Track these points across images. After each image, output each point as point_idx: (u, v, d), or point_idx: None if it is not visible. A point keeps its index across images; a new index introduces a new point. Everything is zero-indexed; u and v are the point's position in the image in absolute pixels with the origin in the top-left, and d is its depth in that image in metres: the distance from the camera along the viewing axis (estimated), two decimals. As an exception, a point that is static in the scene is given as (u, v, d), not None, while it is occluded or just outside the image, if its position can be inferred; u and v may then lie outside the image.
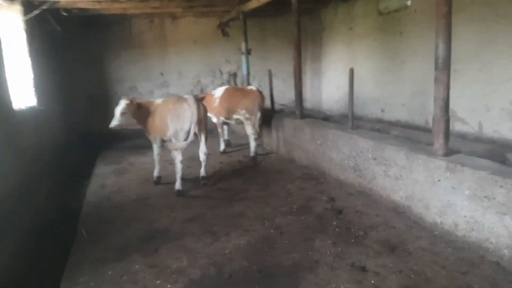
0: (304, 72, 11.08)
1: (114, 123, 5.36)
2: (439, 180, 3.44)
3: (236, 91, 7.22)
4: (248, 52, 8.65)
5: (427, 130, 6.42)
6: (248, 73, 8.85)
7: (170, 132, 5.27)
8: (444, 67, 3.45)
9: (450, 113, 6.21)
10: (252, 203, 4.75)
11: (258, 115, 6.96)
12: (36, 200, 4.73)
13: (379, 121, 7.69)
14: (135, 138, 9.45)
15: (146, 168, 6.89)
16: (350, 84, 5.03)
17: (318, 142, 5.58)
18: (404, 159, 3.89)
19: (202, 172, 5.73)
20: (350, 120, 5.07)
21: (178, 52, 10.01)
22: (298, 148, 6.28)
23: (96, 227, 4.40)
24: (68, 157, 7.58)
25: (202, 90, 10.29)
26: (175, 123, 5.18)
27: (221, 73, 10.46)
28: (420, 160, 3.66)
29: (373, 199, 4.47)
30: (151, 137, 5.75)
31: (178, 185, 5.29)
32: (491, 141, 5.22)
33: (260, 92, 7.50)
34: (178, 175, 5.28)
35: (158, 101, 5.67)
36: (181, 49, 10.02)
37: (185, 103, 5.16)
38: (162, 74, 10.02)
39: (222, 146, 7.63)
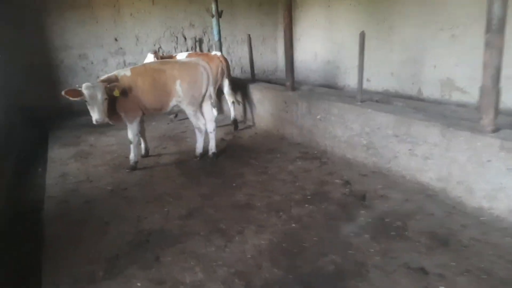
0: (275, 39, 10.34)
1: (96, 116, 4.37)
2: (489, 161, 3.04)
3: (199, 57, 6.53)
4: (220, 14, 7.67)
5: (421, 100, 6.14)
6: (220, 39, 7.91)
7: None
8: (499, 29, 2.95)
9: (447, 82, 6.08)
10: (255, 190, 4.11)
11: (226, 82, 6.62)
12: (-18, 202, 3.69)
13: (365, 91, 7.27)
14: (89, 114, 8.24)
15: (112, 150, 5.91)
16: (360, 50, 4.47)
17: (318, 117, 5.01)
18: (438, 136, 3.45)
19: (212, 147, 5.16)
20: (359, 92, 4.54)
21: (134, 14, 8.70)
22: (290, 123, 5.67)
23: (67, 231, 3.52)
24: (12, 140, 6.30)
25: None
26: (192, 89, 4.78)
27: (185, 38, 9.36)
28: (462, 138, 3.23)
29: (393, 180, 4.04)
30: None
31: (213, 148, 5.14)
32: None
33: (225, 58, 6.82)
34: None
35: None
36: (137, 10, 8.72)
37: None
38: (116, 39, 8.70)
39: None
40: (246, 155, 5.28)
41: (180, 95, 4.76)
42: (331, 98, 4.99)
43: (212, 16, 7.67)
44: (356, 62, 7.52)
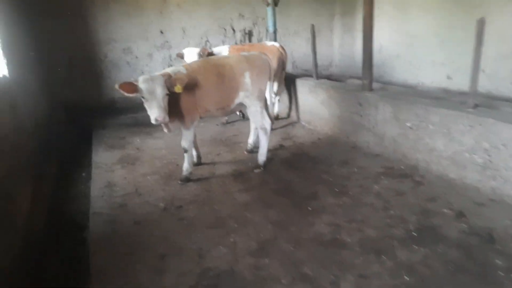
0: (331, 30, 9.39)
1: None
2: None
3: (244, 48, 6.05)
4: (276, 3, 6.87)
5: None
6: (275, 30, 7.11)
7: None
8: None
9: None
10: (339, 218, 3.31)
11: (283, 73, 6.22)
12: (15, 212, 3.13)
13: (445, 91, 6.24)
14: (133, 112, 7.74)
15: (161, 156, 5.30)
16: (477, 40, 3.51)
17: (408, 124, 4.11)
18: None
19: (263, 156, 4.58)
20: (471, 95, 3.59)
21: (181, 5, 8.06)
22: (365, 130, 4.80)
23: (116, 263, 2.90)
24: (54, 139, 5.87)
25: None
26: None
27: (234, 31, 8.62)
28: None
29: (524, 213, 3.10)
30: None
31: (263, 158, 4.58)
32: None
33: (284, 49, 6.08)
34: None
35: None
36: (184, 0, 8.07)
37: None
38: (162, 32, 8.10)
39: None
40: (315, 168, 4.48)
41: (249, 88, 4.25)
42: (425, 101, 4.06)
43: (268, 5, 6.90)
44: (433, 56, 6.55)
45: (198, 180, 4.37)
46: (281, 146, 5.38)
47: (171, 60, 8.17)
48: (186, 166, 4.32)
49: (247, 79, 4.22)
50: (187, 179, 4.32)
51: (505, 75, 5.41)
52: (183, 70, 4.00)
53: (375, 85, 5.59)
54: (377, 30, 7.93)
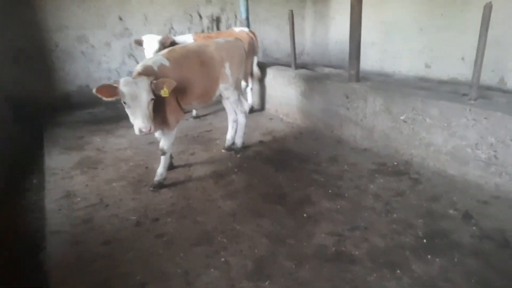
0: (302, 17, 9.03)
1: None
2: None
3: (211, 36, 5.70)
4: (248, -13, 6.38)
5: (503, 91, 4.99)
6: (248, 17, 6.63)
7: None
8: None
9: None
10: (340, 225, 2.97)
11: (255, 59, 5.92)
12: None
13: (423, 79, 6.10)
14: (90, 107, 7.03)
15: (127, 157, 4.72)
16: (483, 27, 3.27)
17: (402, 117, 3.84)
18: None
19: (239, 140, 4.53)
20: (473, 86, 3.36)
21: (141, -12, 7.34)
22: (352, 123, 4.51)
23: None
24: (1, 140, 5.10)
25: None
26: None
27: (200, 17, 8.02)
28: None
29: (534, 212, 2.93)
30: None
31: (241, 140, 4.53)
32: None
33: (254, 34, 5.76)
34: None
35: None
36: (145, -17, 7.35)
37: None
38: (121, 19, 7.35)
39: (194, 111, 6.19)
40: (303, 167, 4.13)
41: (229, 80, 4.06)
42: (422, 93, 3.81)
43: (239, -11, 6.38)
44: (411, 44, 6.38)
45: (173, 185, 3.88)
46: (261, 142, 4.98)
47: (131, 49, 7.46)
48: (161, 170, 3.81)
49: (227, 70, 3.93)
50: (160, 185, 3.81)
51: (485, 63, 5.29)
52: (165, 62, 3.48)
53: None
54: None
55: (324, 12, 8.33)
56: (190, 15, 7.90)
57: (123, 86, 3.03)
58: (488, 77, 5.32)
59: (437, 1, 5.79)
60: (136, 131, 3.12)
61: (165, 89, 3.14)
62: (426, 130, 3.63)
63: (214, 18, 8.11)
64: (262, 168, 4.20)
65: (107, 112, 6.90)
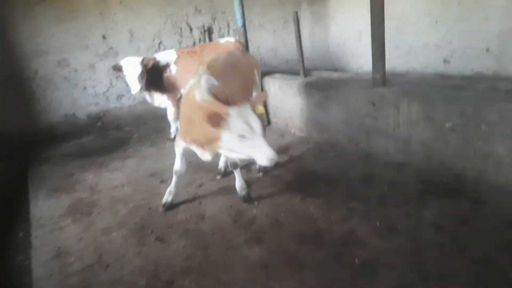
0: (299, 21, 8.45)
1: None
2: None
3: (195, 51, 5.40)
4: (243, -9, 5.80)
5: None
6: (245, 24, 6.04)
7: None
8: None
9: None
10: (405, 274, 2.35)
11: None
12: None
13: (444, 76, 5.53)
14: (77, 137, 6.39)
15: (124, 197, 4.06)
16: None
17: (448, 125, 3.25)
18: None
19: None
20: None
21: (124, 2, 6.71)
22: (382, 135, 3.91)
23: None
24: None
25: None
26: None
27: (191, 29, 7.41)
28: None
29: None
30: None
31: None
32: None
33: (242, 44, 5.50)
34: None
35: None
36: (129, -3, 6.74)
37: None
38: (104, 37, 6.72)
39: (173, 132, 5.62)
40: (333, 191, 3.52)
41: (258, 88, 4.00)
42: (467, 94, 3.22)
43: (233, -6, 5.80)
44: (426, 38, 5.81)
45: (185, 230, 3.23)
46: (277, 164, 4.35)
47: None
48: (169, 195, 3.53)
49: (257, 77, 3.95)
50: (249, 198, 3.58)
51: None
52: (214, 81, 3.02)
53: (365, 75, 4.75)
54: (355, 17, 7.22)
55: (322, 12, 7.78)
56: (180, 28, 7.29)
57: (237, 117, 2.58)
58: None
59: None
60: (266, 163, 2.61)
61: (259, 106, 2.82)
62: (482, 138, 3.04)
63: (206, 28, 7.50)
64: (285, 196, 3.58)
65: (98, 141, 6.26)
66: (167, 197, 3.62)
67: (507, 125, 2.85)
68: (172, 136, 5.57)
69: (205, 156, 3.17)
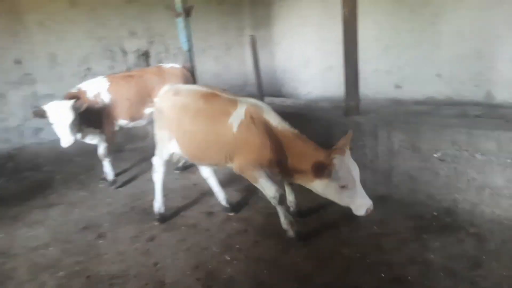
0: (241, 45, 8.16)
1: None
2: None
3: (133, 75, 4.76)
4: (188, 12, 5.26)
5: (491, 106, 4.56)
6: (190, 48, 5.48)
7: None
8: None
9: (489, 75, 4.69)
10: None
11: None
12: None
13: (396, 101, 5.52)
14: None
15: (51, 261, 3.16)
16: None
17: (437, 155, 3.00)
18: None
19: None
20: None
21: (44, 22, 5.75)
22: (358, 166, 3.55)
23: None
24: None
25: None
26: None
27: (125, 52, 6.64)
28: None
29: None
30: None
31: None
32: None
33: (189, 70, 5.12)
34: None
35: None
36: (50, 16, 5.79)
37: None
38: (19, 62, 5.65)
39: (110, 174, 4.61)
40: (319, 237, 3.03)
41: None
42: (458, 123, 3.01)
43: (177, 16, 5.23)
44: (377, 64, 5.79)
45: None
46: (243, 203, 3.77)
47: (36, 99, 5.73)
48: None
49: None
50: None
51: (466, 77, 4.89)
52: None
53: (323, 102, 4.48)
54: (302, 43, 7.10)
55: (267, 38, 7.55)
56: (111, 51, 6.48)
57: (342, 167, 2.51)
58: (471, 93, 4.89)
59: (402, 16, 5.32)
60: (362, 213, 2.55)
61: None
62: (476, 169, 2.82)
63: (142, 53, 6.78)
64: (263, 246, 3.00)
65: (10, 186, 5.05)
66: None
67: (505, 154, 2.65)
68: (109, 177, 4.63)
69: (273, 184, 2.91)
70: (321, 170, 2.51)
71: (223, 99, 3.08)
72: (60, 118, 3.84)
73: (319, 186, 2.66)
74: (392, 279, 2.41)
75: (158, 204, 3.61)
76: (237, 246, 3.05)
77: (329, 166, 2.48)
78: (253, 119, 2.86)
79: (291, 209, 3.34)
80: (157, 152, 3.56)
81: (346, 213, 3.18)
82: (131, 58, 6.69)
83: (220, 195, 3.65)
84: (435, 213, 3.07)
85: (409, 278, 2.39)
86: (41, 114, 3.87)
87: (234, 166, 3.02)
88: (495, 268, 2.37)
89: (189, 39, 5.33)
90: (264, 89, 7.03)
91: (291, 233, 2.99)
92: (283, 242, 3.00)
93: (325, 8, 6.34)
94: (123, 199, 4.27)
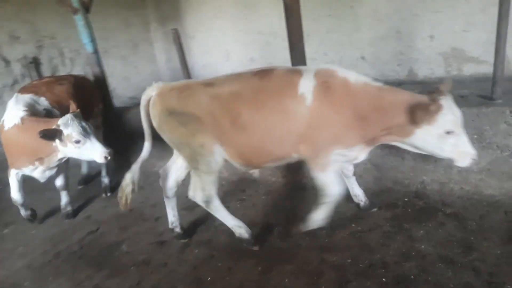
0: (149, 43, 7.38)
1: None
2: None
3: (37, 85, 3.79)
4: (87, 7, 4.40)
5: (415, 83, 4.81)
6: (96, 50, 4.64)
7: None
8: None
9: (453, 53, 4.87)
10: None
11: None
12: None
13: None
14: None
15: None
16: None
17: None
18: None
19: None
20: (497, 82, 2.65)
21: None
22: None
23: None
24: None
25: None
26: None
27: (7, 62, 5.39)
28: None
29: None
30: None
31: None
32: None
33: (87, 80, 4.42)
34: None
35: None
36: None
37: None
38: None
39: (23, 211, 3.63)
40: (292, 244, 2.73)
41: None
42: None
43: (75, 12, 4.35)
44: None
45: None
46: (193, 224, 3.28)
47: None
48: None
49: None
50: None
51: (389, 57, 5.04)
52: None
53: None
54: (221, 36, 6.63)
55: (179, 32, 6.89)
56: (-11, 62, 5.21)
57: (449, 109, 2.21)
58: (395, 72, 5.07)
59: (321, 2, 5.24)
60: (467, 164, 2.30)
61: None
62: (443, 148, 2.78)
63: (30, 60, 5.58)
64: (239, 272, 2.58)
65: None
66: None
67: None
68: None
69: (361, 156, 2.57)
70: (427, 113, 2.17)
71: (281, 71, 2.50)
72: None
73: (419, 137, 2.28)
74: (395, 282, 2.23)
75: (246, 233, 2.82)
76: (208, 278, 2.58)
77: (435, 108, 2.15)
78: (328, 82, 2.36)
79: (362, 204, 2.95)
80: (196, 175, 2.67)
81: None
82: (17, 69, 5.47)
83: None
84: (406, 199, 3.00)
85: (412, 277, 2.23)
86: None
87: (306, 153, 2.46)
88: (487, 248, 2.35)
89: (93, 39, 4.50)
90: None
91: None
92: (261, 262, 2.62)
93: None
94: (40, 245, 3.41)
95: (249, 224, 2.87)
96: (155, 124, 2.69)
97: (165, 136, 2.71)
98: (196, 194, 2.70)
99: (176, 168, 2.96)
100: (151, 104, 2.67)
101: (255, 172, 3.77)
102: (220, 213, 2.78)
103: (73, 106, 3.16)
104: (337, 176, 2.54)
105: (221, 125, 2.49)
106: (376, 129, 2.38)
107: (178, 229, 3.06)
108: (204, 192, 2.66)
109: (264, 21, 5.88)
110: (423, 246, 2.46)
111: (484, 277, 2.13)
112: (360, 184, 3.05)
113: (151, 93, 2.68)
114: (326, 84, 2.36)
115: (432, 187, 2.98)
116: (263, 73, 2.51)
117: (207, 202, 2.69)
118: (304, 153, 2.48)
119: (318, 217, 2.61)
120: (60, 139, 3.02)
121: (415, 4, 4.65)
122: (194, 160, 2.63)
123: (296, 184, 3.56)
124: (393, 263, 2.38)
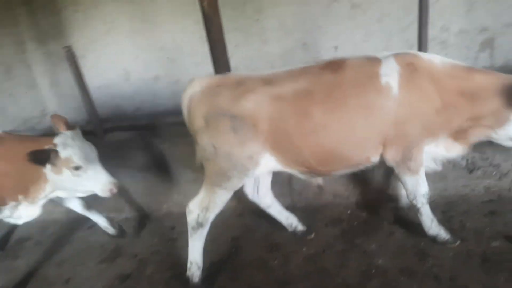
0: (27, 65, 6.26)
1: None
2: None
3: None
4: None
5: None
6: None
7: None
8: None
9: None
10: None
11: None
12: None
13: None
14: None
15: None
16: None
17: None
18: None
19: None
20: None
21: None
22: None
23: None
24: None
25: None
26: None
27: None
28: None
29: None
30: None
31: None
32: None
33: None
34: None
35: None
36: None
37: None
38: None
39: None
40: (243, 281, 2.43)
41: None
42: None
43: None
44: (206, 66, 5.18)
45: None
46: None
47: None
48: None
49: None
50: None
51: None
52: None
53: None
54: (117, 53, 5.88)
55: (64, 52, 5.99)
56: None
57: None
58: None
59: (227, 16, 5.03)
60: None
61: None
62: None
63: None
64: None
65: None
66: None
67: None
68: None
69: (453, 152, 2.33)
70: None
71: (356, 61, 2.16)
72: None
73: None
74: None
75: None
76: None
77: None
78: (414, 64, 2.06)
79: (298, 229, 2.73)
80: (211, 191, 2.27)
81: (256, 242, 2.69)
82: None
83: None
84: (349, 211, 2.94)
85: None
86: None
87: (393, 156, 2.14)
88: (439, 251, 2.38)
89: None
90: (75, 116, 5.64)
91: (443, 235, 2.33)
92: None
93: (136, 11, 5.46)
94: None
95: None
96: (196, 127, 2.21)
97: (204, 141, 2.20)
98: (195, 211, 2.27)
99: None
100: (193, 103, 2.20)
101: (319, 181, 3.23)
102: (197, 242, 2.35)
103: (66, 122, 2.42)
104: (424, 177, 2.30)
105: (282, 130, 2.15)
106: (462, 117, 2.14)
107: (300, 227, 2.73)
108: (206, 213, 2.26)
109: (166, 36, 5.47)
110: (380, 261, 2.40)
111: (447, 283, 2.13)
112: (301, 201, 2.91)
113: (192, 90, 2.23)
114: (412, 66, 2.09)
115: (371, 196, 2.99)
116: (334, 65, 2.19)
117: (200, 225, 2.28)
118: (391, 157, 2.17)
119: (429, 224, 2.36)
120: (54, 164, 2.25)
121: (318, 16, 4.81)
122: (223, 176, 2.22)
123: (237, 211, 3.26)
124: (357, 285, 2.26)
